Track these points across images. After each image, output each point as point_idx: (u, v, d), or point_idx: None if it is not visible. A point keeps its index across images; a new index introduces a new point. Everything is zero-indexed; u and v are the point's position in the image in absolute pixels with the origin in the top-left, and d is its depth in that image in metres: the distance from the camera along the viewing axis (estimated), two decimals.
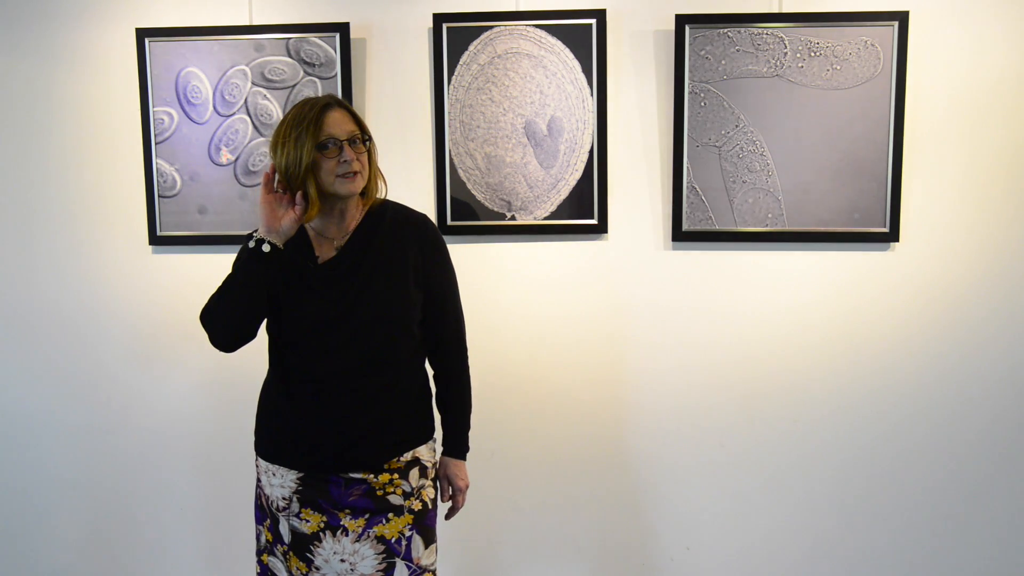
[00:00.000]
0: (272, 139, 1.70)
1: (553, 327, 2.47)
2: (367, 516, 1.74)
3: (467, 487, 1.90)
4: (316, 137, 1.65)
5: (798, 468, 2.47)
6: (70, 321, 2.57)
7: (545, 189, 2.41)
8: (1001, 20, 2.31)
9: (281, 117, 2.38)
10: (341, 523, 1.74)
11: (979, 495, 2.44)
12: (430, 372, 1.89)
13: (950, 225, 2.37)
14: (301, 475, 1.75)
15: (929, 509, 2.46)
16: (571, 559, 2.55)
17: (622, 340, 2.46)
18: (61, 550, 2.66)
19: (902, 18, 2.29)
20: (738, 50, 2.33)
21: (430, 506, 1.82)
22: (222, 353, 1.76)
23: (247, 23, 2.44)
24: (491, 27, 2.37)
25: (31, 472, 2.64)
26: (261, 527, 1.83)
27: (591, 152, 2.39)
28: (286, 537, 1.77)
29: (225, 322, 1.71)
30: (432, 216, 2.39)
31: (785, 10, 2.33)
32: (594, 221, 2.41)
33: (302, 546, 1.75)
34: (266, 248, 1.65)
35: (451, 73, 2.39)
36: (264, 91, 2.44)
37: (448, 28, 2.38)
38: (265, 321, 1.77)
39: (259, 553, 1.85)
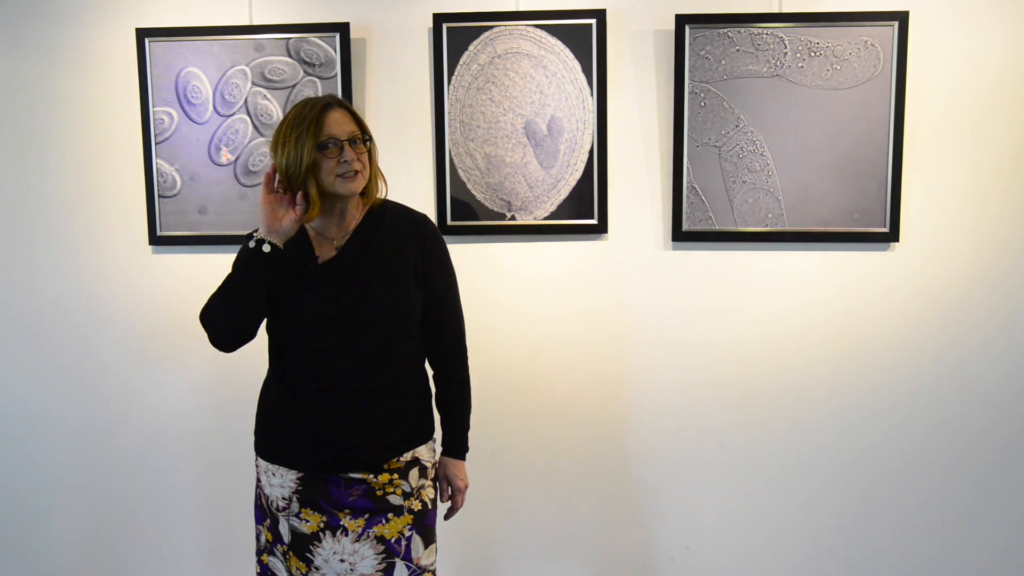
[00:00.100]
0: (272, 139, 1.70)
1: (553, 327, 2.47)
2: (367, 516, 1.74)
3: (466, 487, 1.90)
4: (317, 137, 1.65)
5: (798, 468, 2.47)
6: (70, 321, 2.57)
7: (545, 189, 2.41)
8: (1001, 20, 2.31)
9: (281, 117, 2.38)
10: (341, 523, 1.74)
11: (980, 494, 2.44)
12: (430, 372, 1.89)
13: (950, 225, 2.37)
14: (301, 475, 1.75)
15: (929, 509, 2.46)
16: (571, 559, 2.54)
17: (622, 340, 2.46)
18: (61, 550, 2.66)
19: (902, 18, 2.29)
20: (738, 50, 2.33)
21: (430, 506, 1.82)
22: (222, 353, 1.76)
23: (247, 23, 2.44)
24: (491, 27, 2.37)
25: (31, 472, 2.64)
26: (261, 527, 1.83)
27: (591, 152, 2.39)
28: (286, 537, 1.77)
29: (225, 322, 1.71)
30: (432, 216, 2.39)
31: (785, 10, 2.33)
32: (594, 221, 2.41)
33: (302, 546, 1.75)
34: (266, 248, 1.65)
35: (451, 73, 2.40)
36: (264, 91, 2.44)
37: (448, 28, 2.38)
38: (265, 321, 1.77)
39: (259, 553, 1.85)
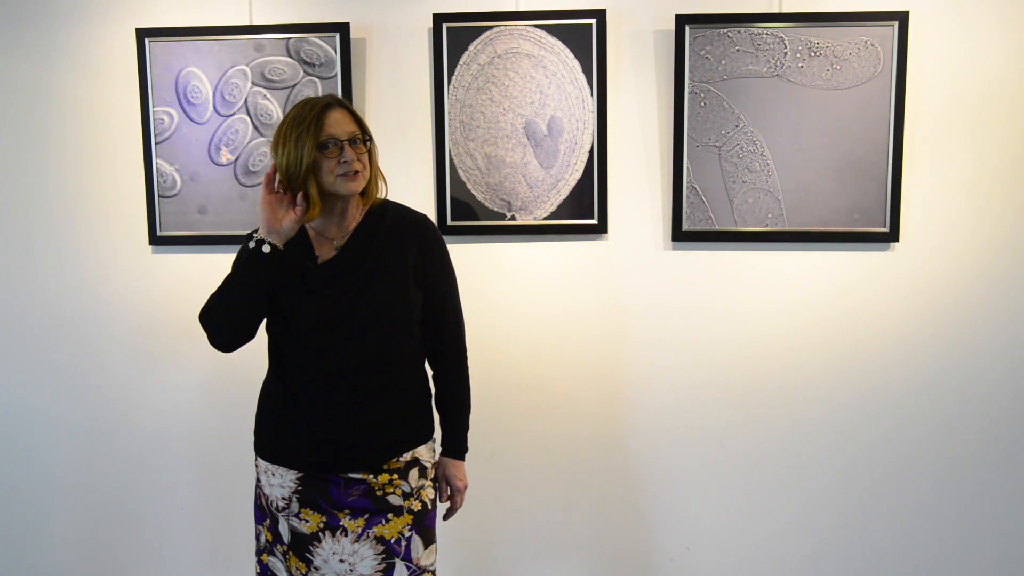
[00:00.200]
0: (273, 139, 1.70)
1: (553, 327, 2.47)
2: (366, 516, 1.74)
3: (465, 488, 1.90)
4: (317, 137, 1.65)
5: (798, 467, 2.47)
6: (70, 321, 2.57)
7: (545, 189, 2.41)
8: (1001, 20, 2.31)
9: (281, 117, 2.39)
10: (340, 523, 1.74)
11: (980, 494, 2.44)
12: (429, 372, 1.89)
13: (950, 225, 2.37)
14: (301, 475, 1.75)
15: (929, 508, 2.46)
16: (571, 559, 2.54)
17: (622, 340, 2.46)
18: (61, 550, 2.66)
19: (902, 18, 2.29)
20: (738, 50, 2.33)
21: (429, 506, 1.82)
22: (222, 353, 1.76)
23: (247, 23, 2.44)
24: (491, 27, 2.37)
25: (31, 472, 2.64)
26: (261, 527, 1.83)
27: (591, 152, 2.39)
28: (285, 537, 1.77)
29: (224, 322, 1.71)
30: (432, 216, 2.39)
31: (785, 10, 2.33)
32: (594, 221, 2.41)
33: (301, 546, 1.75)
34: (266, 249, 1.65)
35: (451, 73, 2.39)
36: (264, 91, 2.44)
37: (448, 28, 2.38)
38: (265, 321, 1.77)
39: (259, 553, 1.85)
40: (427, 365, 1.89)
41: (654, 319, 2.45)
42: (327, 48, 2.41)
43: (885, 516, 2.47)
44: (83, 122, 2.51)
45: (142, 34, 2.43)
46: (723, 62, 2.34)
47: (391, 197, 1.87)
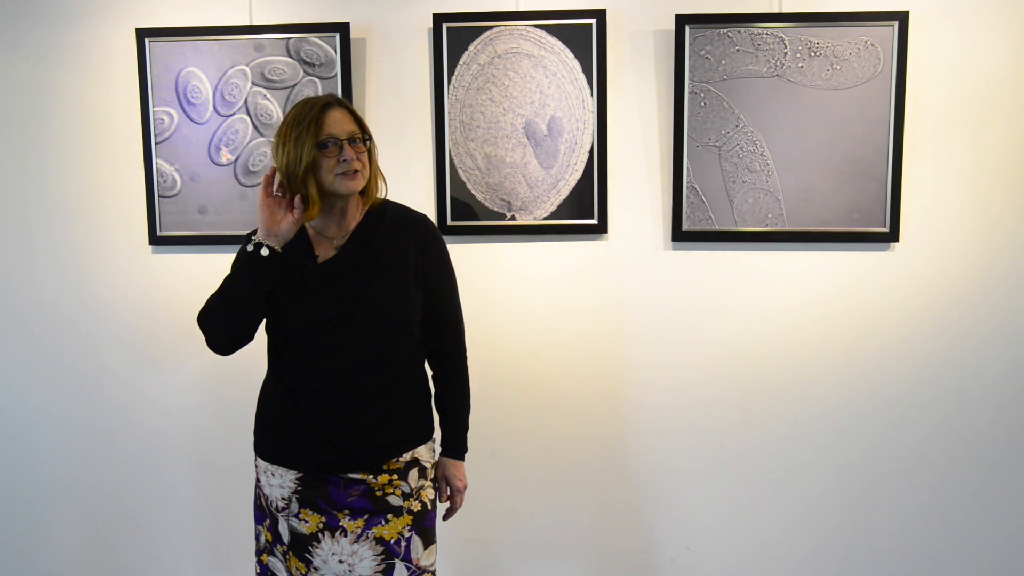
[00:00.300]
0: (274, 139, 1.70)
1: (553, 327, 2.47)
2: (366, 517, 1.74)
3: (465, 488, 1.90)
4: (316, 136, 1.65)
5: (798, 467, 2.47)
6: (70, 321, 2.57)
7: (545, 189, 2.41)
8: (1001, 20, 2.31)
9: (281, 117, 2.40)
10: (340, 524, 1.74)
11: (980, 494, 2.44)
12: (429, 372, 1.89)
13: (950, 225, 2.37)
14: (300, 475, 1.75)
15: (929, 507, 2.46)
16: (571, 559, 2.54)
17: (622, 340, 2.46)
18: (61, 550, 2.66)
19: (902, 18, 2.29)
20: (738, 50, 2.33)
21: (429, 507, 1.82)
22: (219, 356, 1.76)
23: (247, 23, 2.44)
24: (491, 27, 2.37)
25: (31, 472, 2.64)
26: (260, 527, 1.83)
27: (591, 152, 2.39)
28: (285, 537, 1.77)
29: (222, 325, 1.71)
30: (432, 216, 2.39)
31: (785, 10, 2.33)
32: (594, 221, 2.41)
33: (301, 546, 1.75)
34: (264, 252, 1.65)
35: (451, 73, 2.39)
36: (264, 91, 2.44)
37: (448, 28, 2.37)
38: (264, 321, 1.77)
39: (258, 553, 1.85)
40: (426, 365, 1.88)
41: (654, 319, 2.45)
42: (327, 48, 2.41)
43: (885, 515, 2.47)
44: (83, 122, 2.51)
45: (142, 34, 2.43)
46: (723, 62, 2.34)
47: (391, 197, 1.87)
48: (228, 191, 2.47)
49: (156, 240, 2.50)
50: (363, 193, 1.77)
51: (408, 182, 2.44)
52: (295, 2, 2.44)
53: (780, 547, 2.50)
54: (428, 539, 1.80)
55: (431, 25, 2.40)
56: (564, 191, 2.41)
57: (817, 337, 2.43)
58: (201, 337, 1.77)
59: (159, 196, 2.49)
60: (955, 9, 2.31)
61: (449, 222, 2.43)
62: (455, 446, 1.89)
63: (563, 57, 2.37)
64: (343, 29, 2.39)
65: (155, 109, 2.46)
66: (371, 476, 1.74)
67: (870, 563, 2.48)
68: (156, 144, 2.47)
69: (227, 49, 2.43)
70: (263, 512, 1.82)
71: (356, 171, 1.69)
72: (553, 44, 2.36)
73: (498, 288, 2.47)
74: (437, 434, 1.90)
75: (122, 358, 2.58)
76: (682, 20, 2.32)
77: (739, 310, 2.43)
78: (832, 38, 2.31)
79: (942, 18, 2.32)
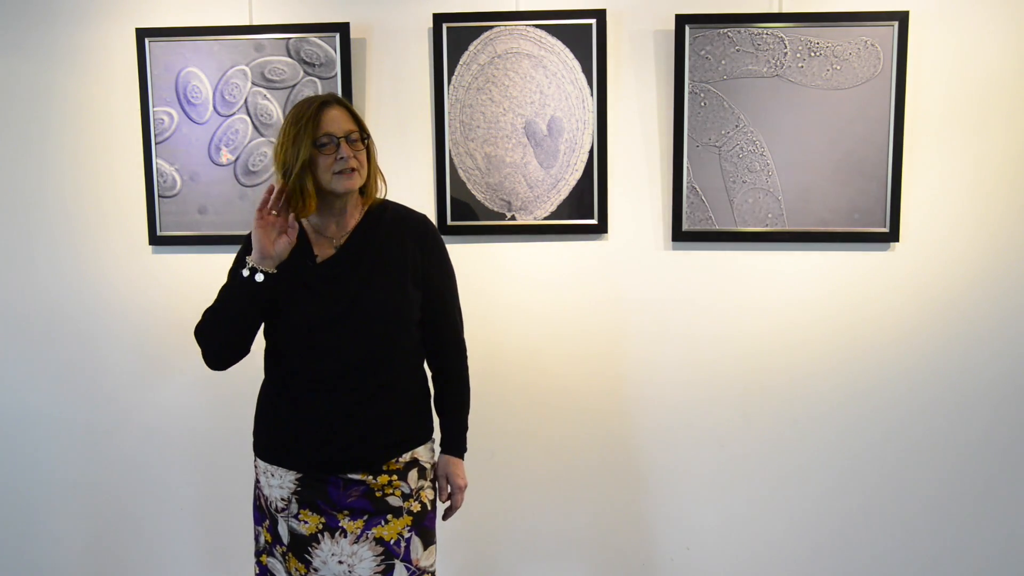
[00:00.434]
0: (276, 139, 1.71)
1: (553, 327, 2.47)
2: (366, 517, 1.74)
3: (465, 487, 1.89)
4: (313, 134, 1.66)
5: (798, 467, 2.47)
6: (70, 321, 2.58)
7: (545, 189, 2.41)
8: (1001, 20, 2.31)
9: (281, 117, 2.40)
10: (339, 524, 1.74)
11: (980, 493, 2.44)
12: (428, 373, 1.89)
13: (950, 225, 2.37)
14: (300, 476, 1.75)
15: (929, 507, 2.46)
16: (571, 559, 2.54)
17: (622, 340, 2.46)
18: (60, 550, 2.66)
19: (902, 18, 2.29)
20: (738, 50, 2.33)
21: (429, 507, 1.82)
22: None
23: (247, 23, 2.44)
24: (491, 27, 2.37)
25: (31, 472, 2.64)
26: (260, 528, 1.83)
27: (591, 152, 2.39)
28: (284, 538, 1.77)
29: (218, 347, 1.73)
30: (432, 216, 2.39)
31: (785, 10, 2.33)
32: (594, 221, 2.41)
33: (300, 547, 1.75)
34: (259, 278, 1.65)
35: (451, 73, 2.39)
36: (264, 91, 2.44)
37: (448, 28, 2.37)
38: (263, 322, 1.77)
39: (258, 554, 1.85)
40: (426, 365, 1.88)
41: (654, 319, 2.45)
42: (327, 48, 2.41)
43: (885, 515, 2.47)
44: (83, 122, 2.51)
45: (142, 34, 2.43)
46: (723, 62, 2.34)
47: (391, 197, 1.87)
48: (228, 191, 2.47)
49: (156, 240, 2.50)
50: (363, 192, 1.78)
51: (408, 182, 2.44)
52: (295, 2, 2.44)
53: (780, 547, 2.50)
54: (428, 540, 1.80)
55: (431, 25, 2.40)
56: (564, 191, 2.41)
57: (817, 337, 2.43)
58: None
59: (159, 196, 2.49)
60: (955, 9, 2.31)
61: (449, 222, 2.43)
62: (455, 445, 1.88)
63: (563, 57, 2.36)
64: (343, 29, 2.39)
65: (155, 109, 2.46)
66: (371, 477, 1.74)
67: (870, 562, 2.48)
68: (156, 144, 2.47)
69: (227, 49, 2.43)
70: (262, 513, 1.82)
71: (353, 170, 1.69)
72: (553, 44, 2.36)
73: (498, 288, 2.46)
74: (436, 434, 1.90)
75: (122, 358, 2.58)
76: (682, 20, 2.32)
77: (739, 310, 2.43)
78: (832, 38, 2.31)
79: (942, 18, 2.32)
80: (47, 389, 2.61)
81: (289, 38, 2.41)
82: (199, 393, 2.56)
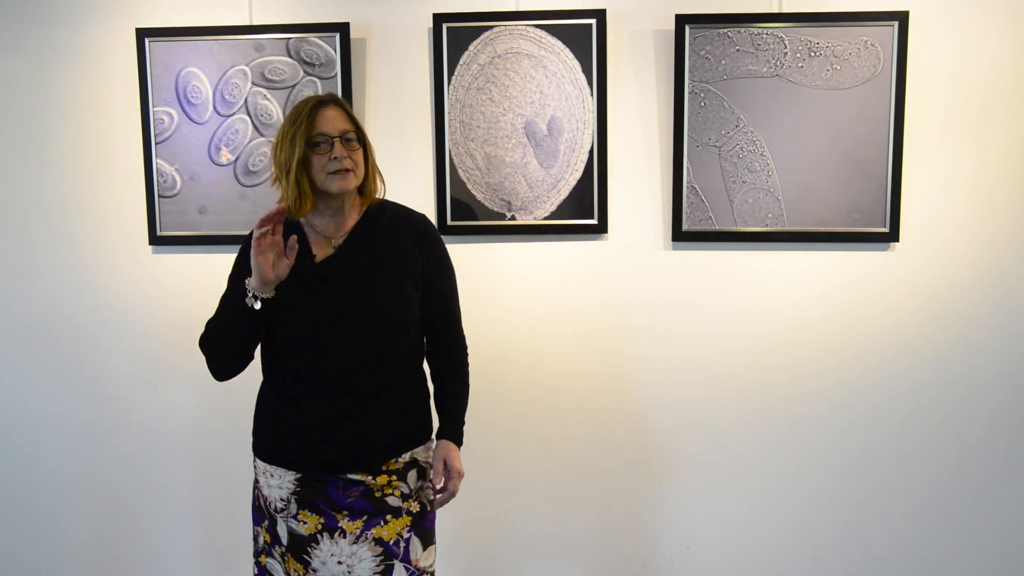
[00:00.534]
0: (274, 138, 1.72)
1: (553, 327, 2.47)
2: (365, 518, 1.74)
3: (462, 476, 1.81)
4: (308, 134, 1.66)
5: (798, 467, 2.47)
6: (70, 321, 2.57)
7: (545, 189, 2.41)
8: (1000, 20, 2.31)
9: (281, 117, 2.40)
10: (339, 525, 1.73)
11: (980, 493, 2.44)
12: (427, 373, 1.89)
13: (950, 225, 2.37)
14: (299, 476, 1.75)
15: (929, 507, 2.46)
16: (571, 560, 2.54)
17: (622, 340, 2.46)
18: (60, 550, 2.66)
19: (902, 18, 2.29)
20: (738, 50, 2.33)
21: (428, 508, 1.82)
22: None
23: (247, 23, 2.44)
24: (491, 27, 2.37)
25: (31, 472, 2.64)
26: (259, 528, 1.83)
27: (591, 152, 2.39)
28: (283, 538, 1.77)
29: (219, 364, 1.75)
30: (432, 216, 2.39)
31: (785, 10, 2.33)
32: (594, 221, 2.41)
33: (299, 548, 1.75)
34: (258, 306, 1.66)
35: (451, 73, 2.39)
36: (264, 91, 2.44)
37: (448, 28, 2.37)
38: None
39: (257, 555, 1.85)
40: (425, 365, 1.88)
41: (654, 319, 2.45)
42: (327, 48, 2.41)
43: (886, 514, 2.47)
44: (83, 122, 2.51)
45: (142, 34, 2.43)
46: (723, 62, 2.34)
47: (391, 197, 1.87)
48: (228, 191, 2.47)
49: (156, 240, 2.50)
50: (361, 192, 1.78)
51: (408, 182, 2.44)
52: (295, 2, 2.44)
53: (780, 547, 2.50)
54: (427, 540, 1.80)
55: (431, 25, 2.40)
56: (564, 191, 2.41)
57: (817, 337, 2.42)
58: None
59: (159, 196, 2.49)
60: (955, 9, 2.31)
61: (449, 222, 2.43)
62: (453, 433, 1.83)
63: (563, 57, 2.36)
64: (343, 29, 2.39)
65: (155, 109, 2.46)
66: (370, 477, 1.74)
67: (870, 562, 2.48)
68: (156, 144, 2.47)
69: (227, 49, 2.43)
70: (262, 513, 1.82)
71: (347, 170, 1.69)
72: (553, 44, 2.36)
73: (498, 288, 2.46)
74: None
75: (122, 358, 2.58)
76: (682, 20, 2.32)
77: (739, 310, 2.43)
78: (832, 38, 2.31)
79: (942, 18, 2.32)
80: (47, 389, 2.61)
81: (289, 38, 2.41)
82: (199, 393, 2.56)
